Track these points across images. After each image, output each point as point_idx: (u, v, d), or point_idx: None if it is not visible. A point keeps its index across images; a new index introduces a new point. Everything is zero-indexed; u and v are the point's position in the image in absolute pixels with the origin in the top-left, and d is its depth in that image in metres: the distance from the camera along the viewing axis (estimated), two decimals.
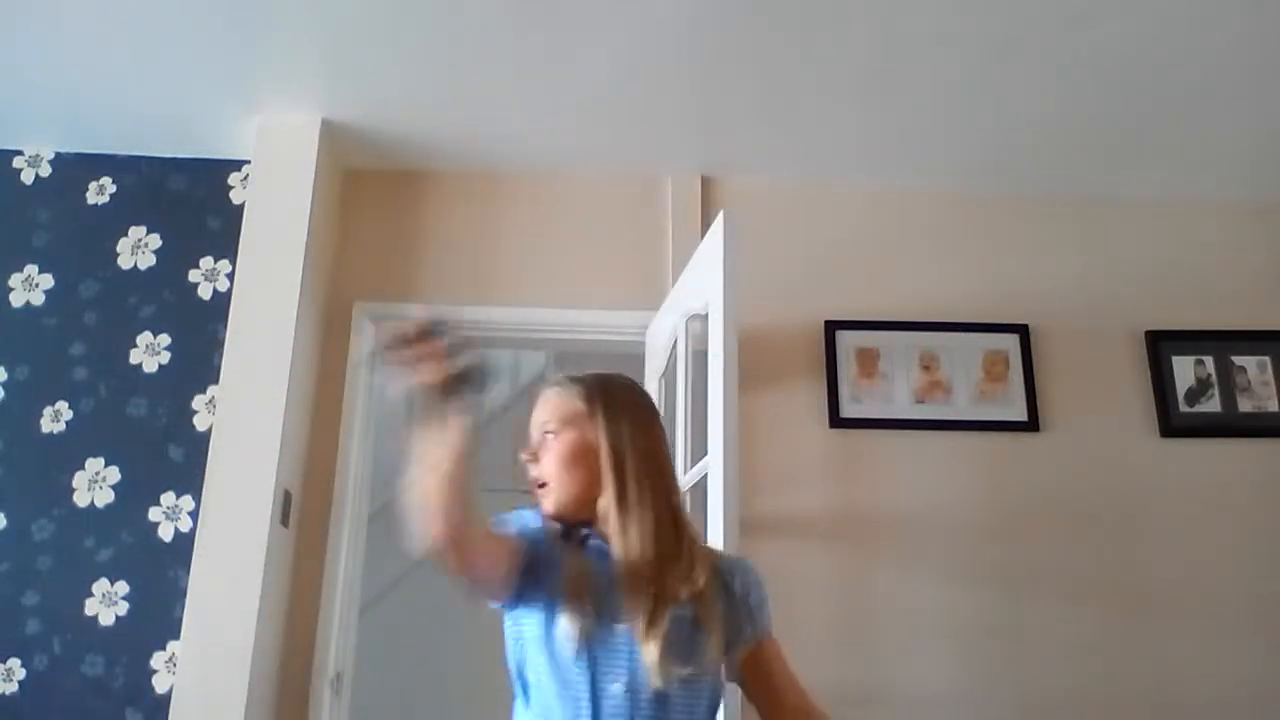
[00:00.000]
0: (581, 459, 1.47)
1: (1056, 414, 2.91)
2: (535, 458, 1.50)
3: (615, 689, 1.34)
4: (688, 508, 2.43)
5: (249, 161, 2.89)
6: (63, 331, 2.84)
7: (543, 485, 1.49)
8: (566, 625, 1.36)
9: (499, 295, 2.97)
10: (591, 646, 1.36)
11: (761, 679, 1.54)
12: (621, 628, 1.37)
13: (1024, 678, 2.69)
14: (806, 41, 2.52)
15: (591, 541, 1.47)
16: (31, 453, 2.73)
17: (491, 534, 1.40)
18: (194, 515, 2.63)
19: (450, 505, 1.27)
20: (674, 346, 2.64)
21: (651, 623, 1.35)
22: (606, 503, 1.45)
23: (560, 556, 1.43)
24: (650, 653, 1.34)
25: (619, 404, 1.52)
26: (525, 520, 1.49)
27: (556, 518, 1.48)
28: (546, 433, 1.50)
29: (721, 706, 1.50)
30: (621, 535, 1.43)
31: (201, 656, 2.41)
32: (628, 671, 1.35)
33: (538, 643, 1.39)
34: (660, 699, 1.35)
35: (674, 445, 2.56)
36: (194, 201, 2.97)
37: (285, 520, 2.60)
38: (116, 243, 2.93)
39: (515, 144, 2.97)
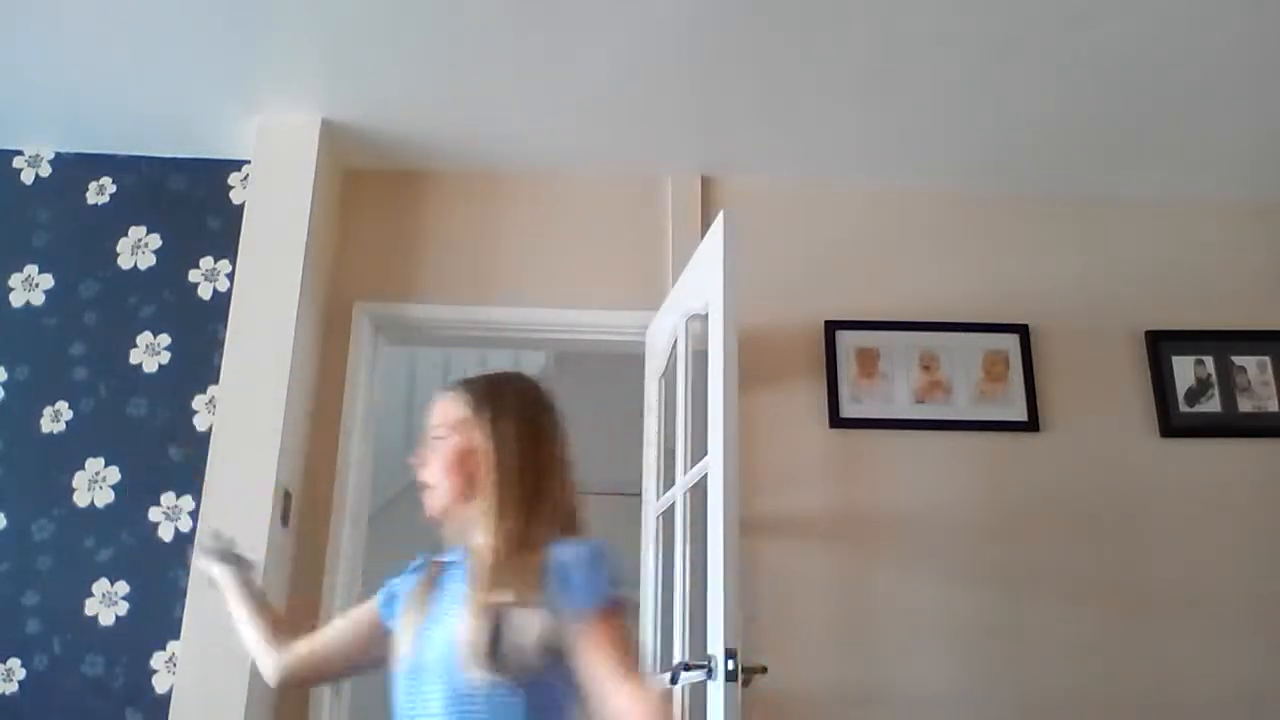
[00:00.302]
0: (460, 464, 1.49)
1: (1056, 414, 2.91)
2: (423, 461, 1.55)
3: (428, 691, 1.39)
4: (681, 503, 2.44)
5: (249, 161, 2.89)
6: (63, 331, 2.84)
7: (428, 488, 1.53)
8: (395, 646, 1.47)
9: (499, 295, 2.97)
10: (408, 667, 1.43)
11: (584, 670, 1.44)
12: (439, 639, 1.40)
13: (1024, 678, 2.69)
14: (806, 41, 2.52)
15: (451, 567, 1.51)
16: (31, 453, 2.73)
17: (326, 632, 1.61)
18: (194, 515, 2.63)
19: (260, 640, 1.61)
20: (674, 346, 2.64)
21: (472, 628, 1.36)
22: (479, 508, 1.47)
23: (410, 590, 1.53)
24: (463, 657, 1.35)
25: (505, 408, 1.53)
26: (391, 583, 1.59)
27: (440, 522, 1.53)
28: (435, 437, 1.53)
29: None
30: (481, 537, 1.45)
31: (201, 656, 2.41)
32: (442, 679, 1.38)
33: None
34: (469, 700, 1.36)
35: (674, 445, 2.56)
36: (194, 201, 2.97)
37: (285, 520, 2.60)
38: (116, 243, 2.93)
39: (515, 144, 2.97)
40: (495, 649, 1.34)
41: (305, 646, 1.60)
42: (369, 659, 1.56)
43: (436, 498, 1.52)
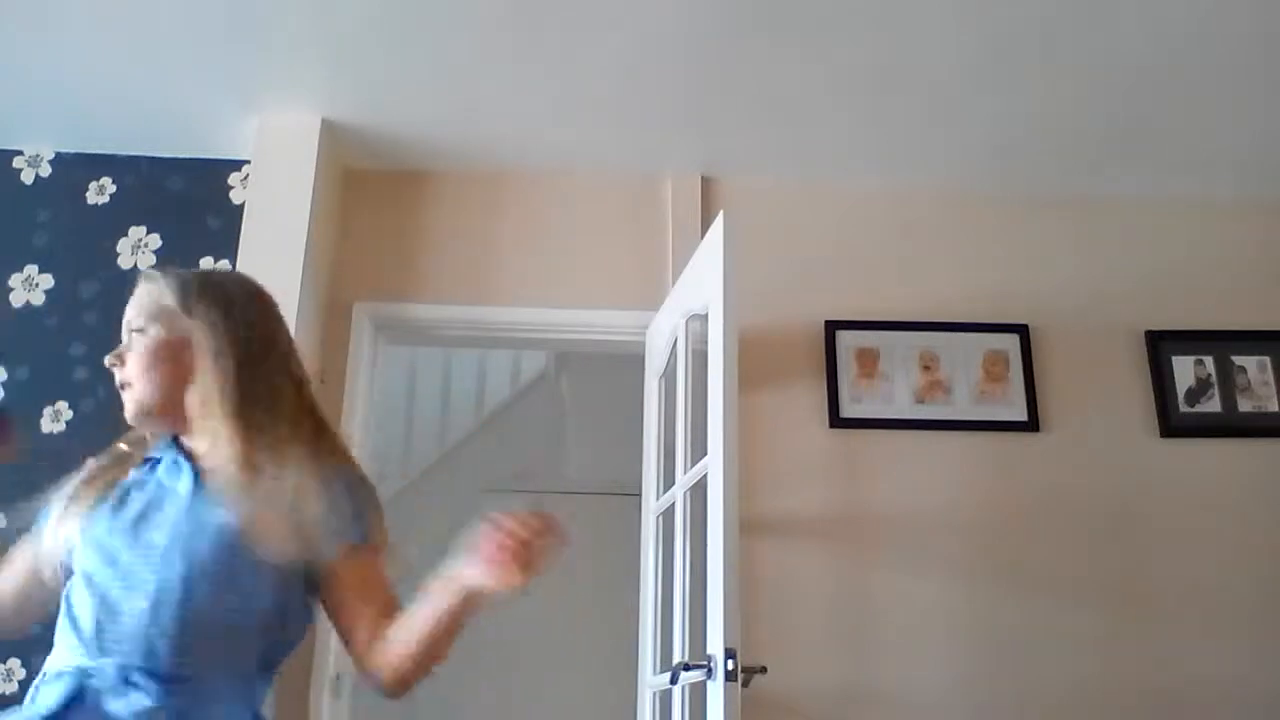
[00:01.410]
0: (167, 357, 1.36)
1: (1056, 414, 2.91)
2: (120, 360, 1.40)
3: (135, 605, 1.26)
4: (681, 503, 2.44)
5: (249, 161, 2.89)
6: (63, 331, 2.84)
7: (124, 387, 1.40)
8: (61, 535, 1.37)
9: (499, 295, 2.97)
10: (109, 560, 1.30)
11: (338, 598, 1.36)
12: (153, 540, 1.30)
13: (1024, 678, 2.69)
14: (806, 42, 2.52)
15: (165, 460, 1.39)
16: (31, 452, 2.72)
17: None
18: None
19: None
20: (674, 346, 2.64)
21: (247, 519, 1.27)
22: (195, 403, 1.35)
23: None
24: (189, 566, 1.26)
25: (217, 294, 1.39)
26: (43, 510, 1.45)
27: (141, 425, 1.40)
28: (133, 330, 1.39)
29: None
30: (213, 439, 1.33)
31: None
32: (154, 586, 1.27)
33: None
34: (196, 620, 1.26)
35: (674, 445, 2.56)
36: (194, 201, 2.97)
37: None
38: (116, 243, 2.93)
39: (515, 144, 2.97)
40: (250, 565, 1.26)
41: None
42: (41, 597, 1.45)
43: (137, 398, 1.38)
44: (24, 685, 2.54)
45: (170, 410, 1.37)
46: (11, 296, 2.87)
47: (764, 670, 2.29)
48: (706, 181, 3.08)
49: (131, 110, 2.84)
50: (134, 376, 1.37)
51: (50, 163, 3.00)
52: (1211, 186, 3.11)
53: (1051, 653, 2.70)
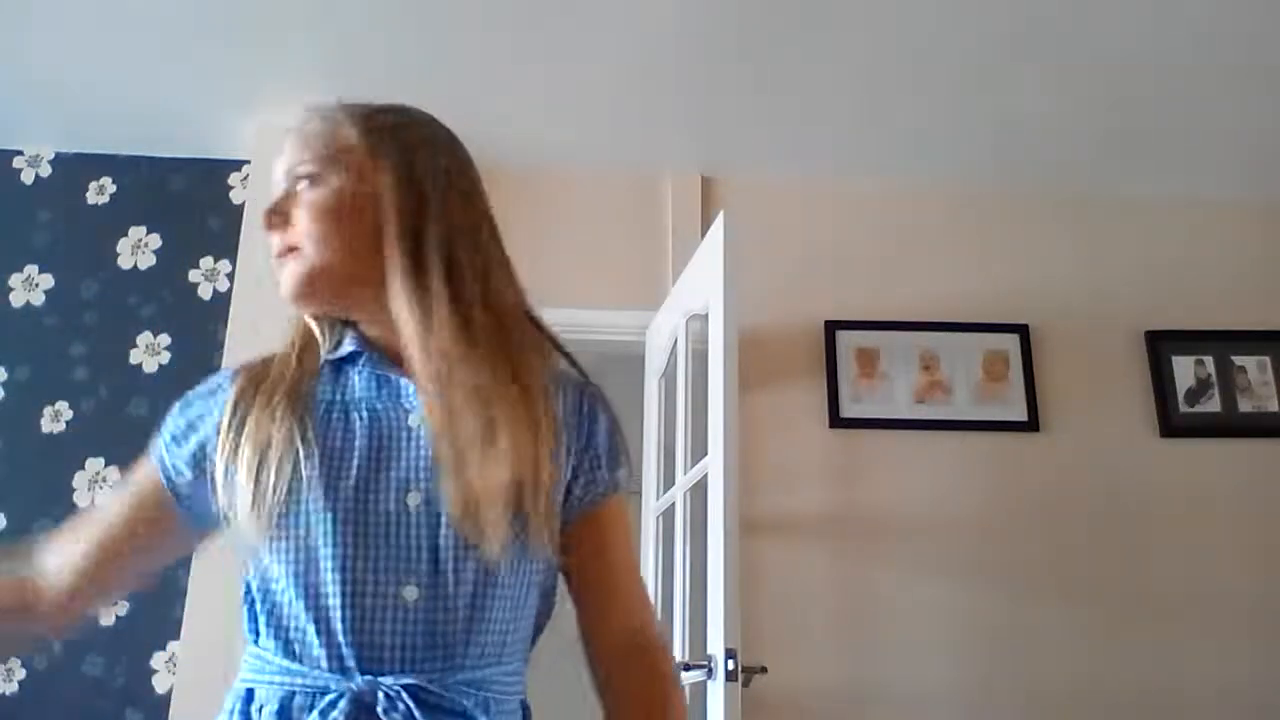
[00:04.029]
0: (353, 214, 0.98)
1: (1056, 414, 2.91)
2: (284, 218, 1.00)
3: (405, 592, 0.91)
4: (681, 503, 2.44)
5: (249, 161, 2.89)
6: (63, 331, 2.84)
7: (291, 251, 1.00)
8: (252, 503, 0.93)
9: None
10: (354, 528, 0.92)
11: (590, 563, 1.05)
12: (398, 498, 0.93)
13: (1024, 677, 2.69)
14: (806, 42, 2.52)
15: (355, 363, 1.01)
16: (31, 453, 2.73)
17: (90, 532, 1.01)
18: None
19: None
20: (674, 346, 2.64)
21: (457, 479, 0.92)
22: (392, 284, 0.97)
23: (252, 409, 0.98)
24: (451, 525, 0.92)
25: (416, 137, 1.07)
26: (184, 405, 1.04)
27: (307, 301, 1.01)
28: (300, 177, 1.01)
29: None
30: (418, 335, 0.95)
31: (201, 656, 2.41)
32: (416, 565, 0.92)
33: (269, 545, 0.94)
34: (462, 590, 0.92)
35: (674, 445, 2.56)
36: (194, 201, 2.97)
37: None
38: (116, 243, 2.93)
39: (515, 144, 2.97)
40: (516, 509, 0.93)
41: (66, 562, 1.01)
42: (167, 548, 1.07)
43: (303, 260, 0.99)
44: (24, 685, 2.55)
45: (343, 292, 1.00)
46: (11, 296, 2.87)
47: (764, 670, 2.29)
48: (706, 181, 3.08)
49: (131, 110, 2.84)
50: (304, 235, 0.98)
51: (50, 163, 3.00)
52: (1211, 186, 3.11)
53: (1051, 652, 2.70)
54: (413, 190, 1.00)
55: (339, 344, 1.03)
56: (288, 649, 0.92)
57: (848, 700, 2.66)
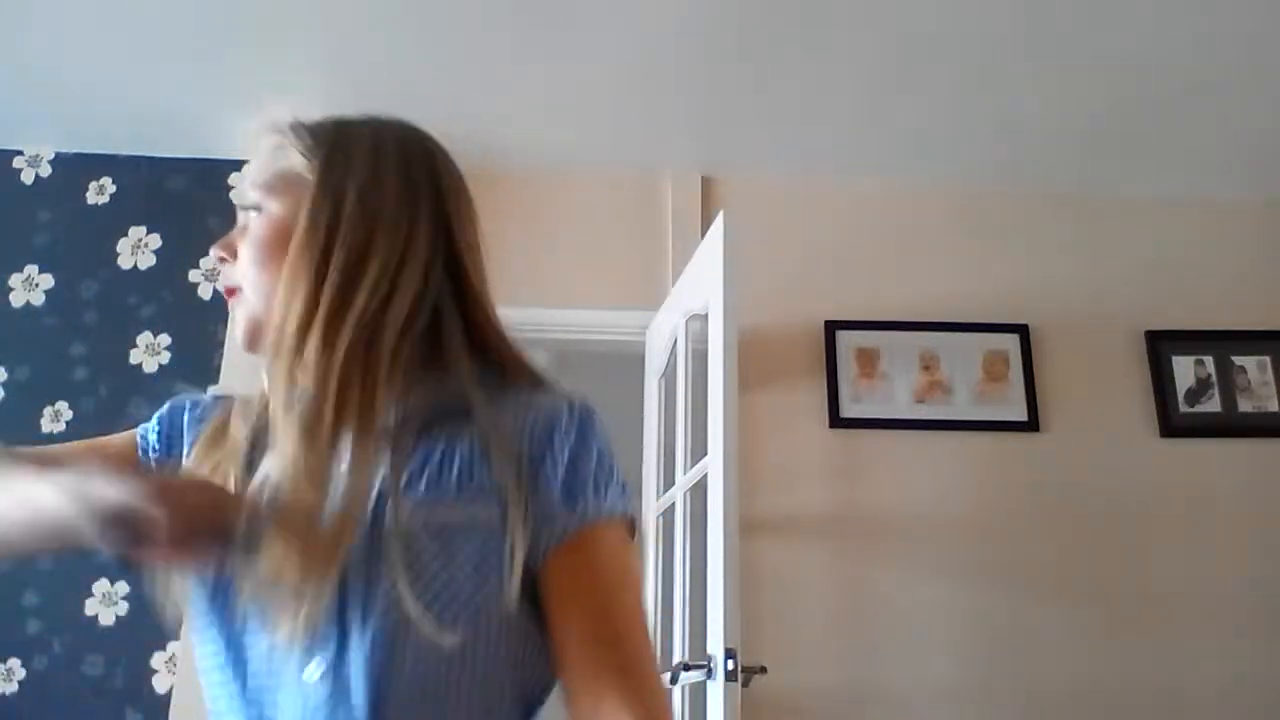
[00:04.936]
0: (282, 243, 0.89)
1: (1056, 414, 2.91)
2: (229, 251, 0.95)
3: (265, 646, 0.81)
4: (681, 503, 2.44)
5: (249, 161, 2.89)
6: (63, 331, 2.84)
7: (235, 291, 0.94)
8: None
9: (499, 295, 2.93)
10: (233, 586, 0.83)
11: (557, 604, 0.85)
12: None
13: (1024, 677, 2.69)
14: (807, 41, 2.52)
15: None
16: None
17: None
18: None
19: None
20: (674, 346, 2.64)
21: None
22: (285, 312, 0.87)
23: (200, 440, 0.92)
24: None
25: (355, 146, 0.94)
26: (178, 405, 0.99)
27: (256, 349, 0.92)
28: (248, 209, 0.95)
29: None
30: (276, 361, 0.86)
31: None
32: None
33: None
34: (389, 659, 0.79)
35: (674, 445, 2.56)
36: (194, 201, 2.97)
37: None
38: (116, 243, 2.93)
39: (515, 144, 2.97)
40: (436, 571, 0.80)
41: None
42: None
43: (245, 302, 0.92)
44: (24, 685, 2.55)
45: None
46: (11, 296, 2.87)
47: (764, 670, 2.29)
48: (706, 181, 3.08)
49: (131, 110, 2.84)
50: (247, 274, 0.91)
51: (50, 163, 3.00)
52: (1211, 186, 3.11)
53: (1051, 652, 2.70)
54: (324, 208, 0.89)
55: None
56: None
57: (847, 700, 2.66)
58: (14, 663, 2.57)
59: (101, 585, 2.62)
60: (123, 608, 2.61)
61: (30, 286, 2.88)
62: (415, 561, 0.80)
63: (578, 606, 0.84)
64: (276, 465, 0.83)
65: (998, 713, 2.66)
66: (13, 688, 2.55)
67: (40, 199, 2.97)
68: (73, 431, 2.74)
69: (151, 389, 2.79)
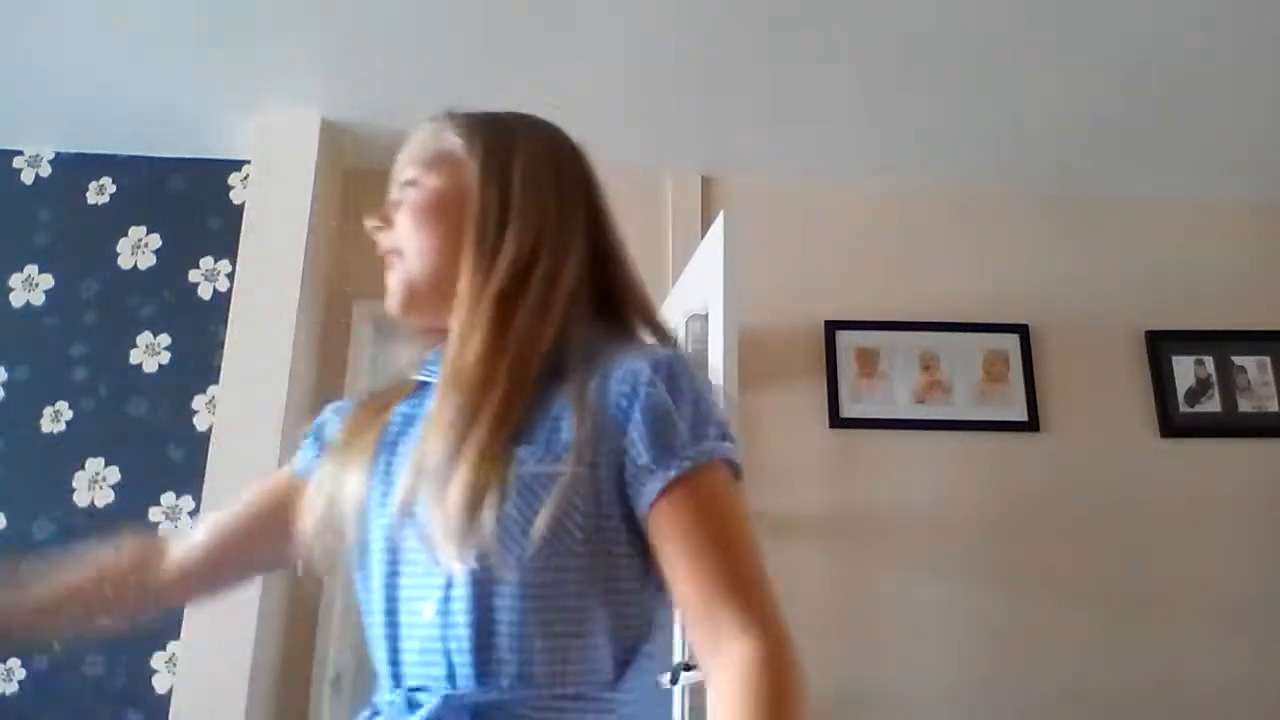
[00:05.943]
0: (444, 211, 0.99)
1: (1056, 414, 2.91)
2: (387, 220, 1.04)
3: (424, 609, 0.89)
4: None
5: (249, 161, 2.89)
6: (63, 331, 2.84)
7: (393, 254, 1.03)
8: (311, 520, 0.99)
9: None
10: (390, 546, 0.93)
11: (667, 554, 0.90)
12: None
13: (1024, 677, 2.69)
14: (807, 41, 2.52)
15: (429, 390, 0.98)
16: (31, 453, 2.73)
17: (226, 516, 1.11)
18: (194, 515, 2.63)
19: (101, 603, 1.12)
20: None
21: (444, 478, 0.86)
22: (459, 286, 0.96)
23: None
24: (436, 529, 0.86)
25: (514, 135, 1.04)
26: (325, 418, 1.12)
27: (408, 311, 1.02)
28: (405, 183, 1.03)
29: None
30: (453, 342, 0.94)
31: (201, 656, 2.41)
32: (434, 580, 0.89)
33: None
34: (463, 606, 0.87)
35: None
36: (194, 201, 2.97)
37: None
38: (116, 243, 2.92)
39: None
40: (484, 515, 0.84)
41: (195, 538, 1.12)
42: (277, 546, 1.08)
43: (403, 267, 1.01)
44: (24, 685, 2.55)
45: (445, 288, 0.97)
46: (11, 296, 2.87)
47: None
48: (706, 181, 3.08)
49: (131, 110, 2.84)
50: (403, 239, 1.00)
51: (50, 163, 3.00)
52: (1211, 186, 3.11)
53: (1051, 652, 2.70)
54: (494, 189, 0.99)
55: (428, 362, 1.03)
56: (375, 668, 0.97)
57: (847, 700, 2.66)
58: (14, 663, 2.57)
59: None
60: None
61: (30, 286, 2.88)
62: (504, 516, 0.86)
63: (685, 554, 0.88)
64: (435, 429, 0.90)
65: (998, 713, 2.66)
66: (13, 688, 2.55)
67: (40, 199, 2.97)
68: (73, 431, 2.74)
69: (152, 389, 2.79)
